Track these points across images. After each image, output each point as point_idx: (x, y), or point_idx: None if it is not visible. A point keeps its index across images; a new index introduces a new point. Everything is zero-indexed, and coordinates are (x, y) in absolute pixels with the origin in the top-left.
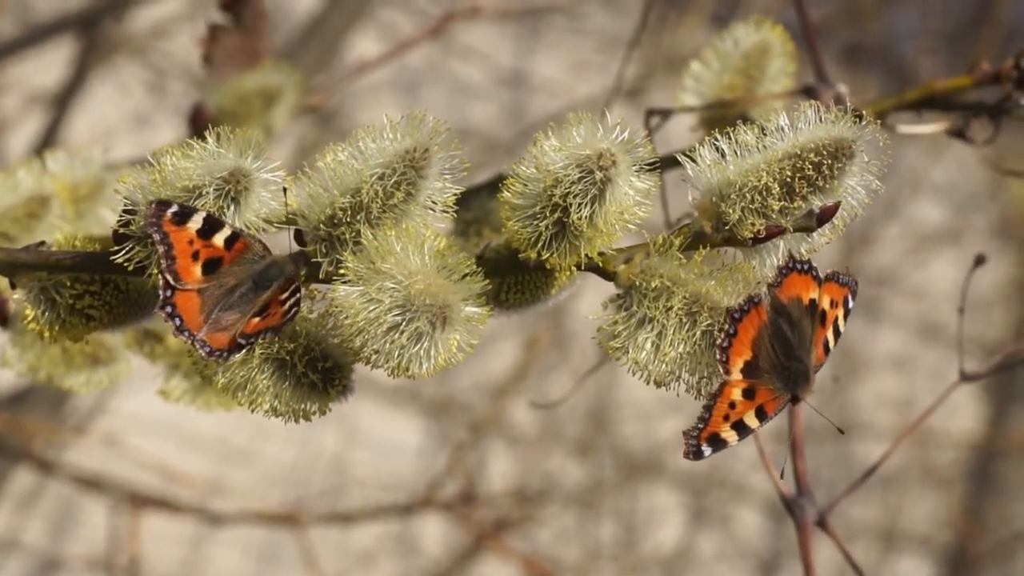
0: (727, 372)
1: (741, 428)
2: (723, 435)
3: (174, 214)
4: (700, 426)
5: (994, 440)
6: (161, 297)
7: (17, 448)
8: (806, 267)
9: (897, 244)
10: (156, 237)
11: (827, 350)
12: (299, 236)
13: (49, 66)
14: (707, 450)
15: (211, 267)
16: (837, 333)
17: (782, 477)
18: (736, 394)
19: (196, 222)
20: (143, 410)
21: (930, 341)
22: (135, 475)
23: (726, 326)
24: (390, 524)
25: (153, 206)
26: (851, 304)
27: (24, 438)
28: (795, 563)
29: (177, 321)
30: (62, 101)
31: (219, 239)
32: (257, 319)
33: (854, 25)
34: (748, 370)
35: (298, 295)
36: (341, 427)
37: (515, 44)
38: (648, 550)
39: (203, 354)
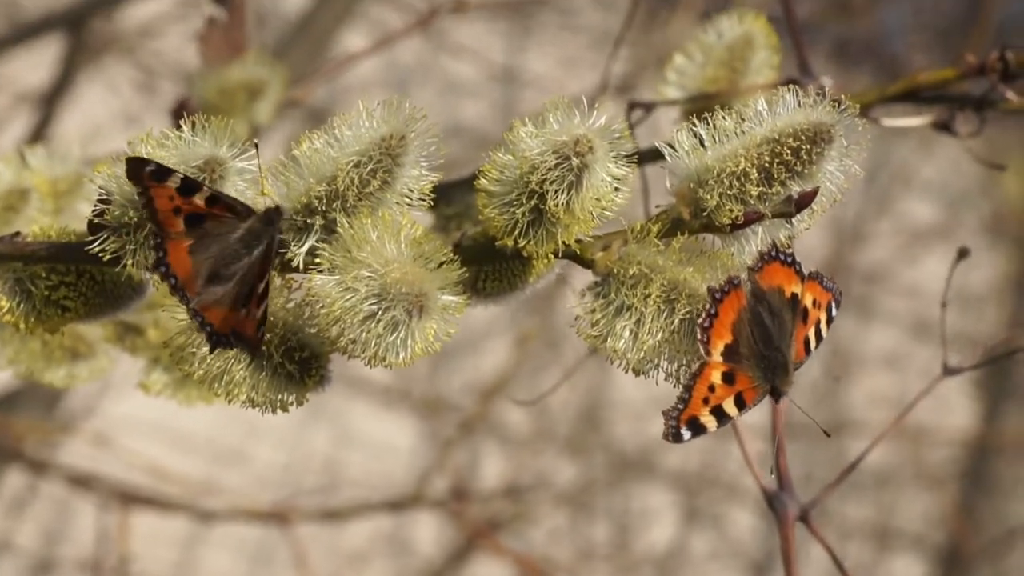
0: (707, 353)
1: (720, 415)
2: (702, 419)
3: (152, 172)
4: (680, 407)
5: (987, 438)
6: (155, 257)
7: (8, 449)
8: (789, 259)
9: (889, 241)
10: (138, 191)
11: (808, 350)
12: None
13: (37, 65)
14: (686, 434)
15: (193, 221)
16: (819, 337)
17: (771, 474)
18: (716, 377)
19: (174, 181)
20: (133, 412)
21: (922, 338)
22: (126, 475)
23: (707, 306)
24: (382, 524)
25: (132, 162)
26: (834, 312)
27: (14, 439)
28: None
29: (172, 280)
30: (50, 100)
31: (199, 200)
32: (243, 313)
33: (845, 21)
34: (728, 354)
35: (267, 299)
36: (333, 428)
37: (506, 41)
38: (641, 550)
39: (196, 324)
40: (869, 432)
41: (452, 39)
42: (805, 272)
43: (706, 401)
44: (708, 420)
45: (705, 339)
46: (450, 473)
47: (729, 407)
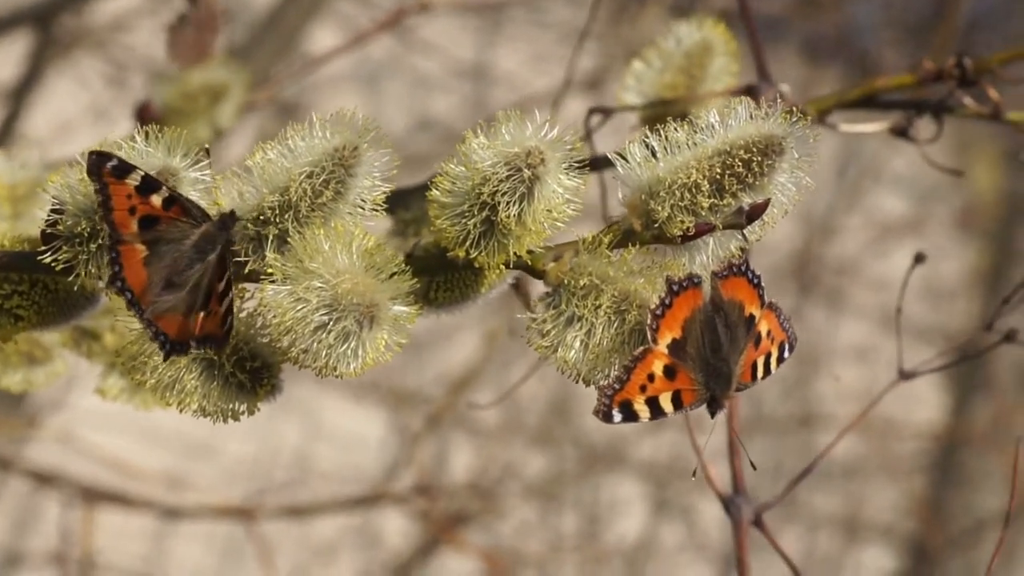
0: (653, 340)
1: (655, 407)
2: (636, 406)
3: (113, 167)
4: (616, 386)
5: (956, 430)
6: (111, 272)
7: None
8: (756, 281)
9: (859, 234)
10: (95, 187)
11: (754, 376)
12: None
13: (6, 60)
14: (617, 416)
15: (147, 224)
16: (767, 371)
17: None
18: (657, 367)
19: (134, 179)
20: (101, 406)
21: (891, 332)
22: (92, 471)
23: (664, 296)
24: (351, 517)
25: (93, 156)
26: (787, 355)
27: None
28: (756, 555)
29: (128, 295)
30: (19, 95)
31: (156, 200)
32: (203, 314)
33: (814, 18)
34: (674, 349)
35: (231, 293)
36: (303, 421)
37: (476, 37)
38: (610, 541)
39: (150, 334)
40: (838, 425)
41: (422, 35)
42: (767, 299)
43: (643, 389)
44: (642, 409)
45: (654, 326)
46: (417, 468)
47: (665, 402)
